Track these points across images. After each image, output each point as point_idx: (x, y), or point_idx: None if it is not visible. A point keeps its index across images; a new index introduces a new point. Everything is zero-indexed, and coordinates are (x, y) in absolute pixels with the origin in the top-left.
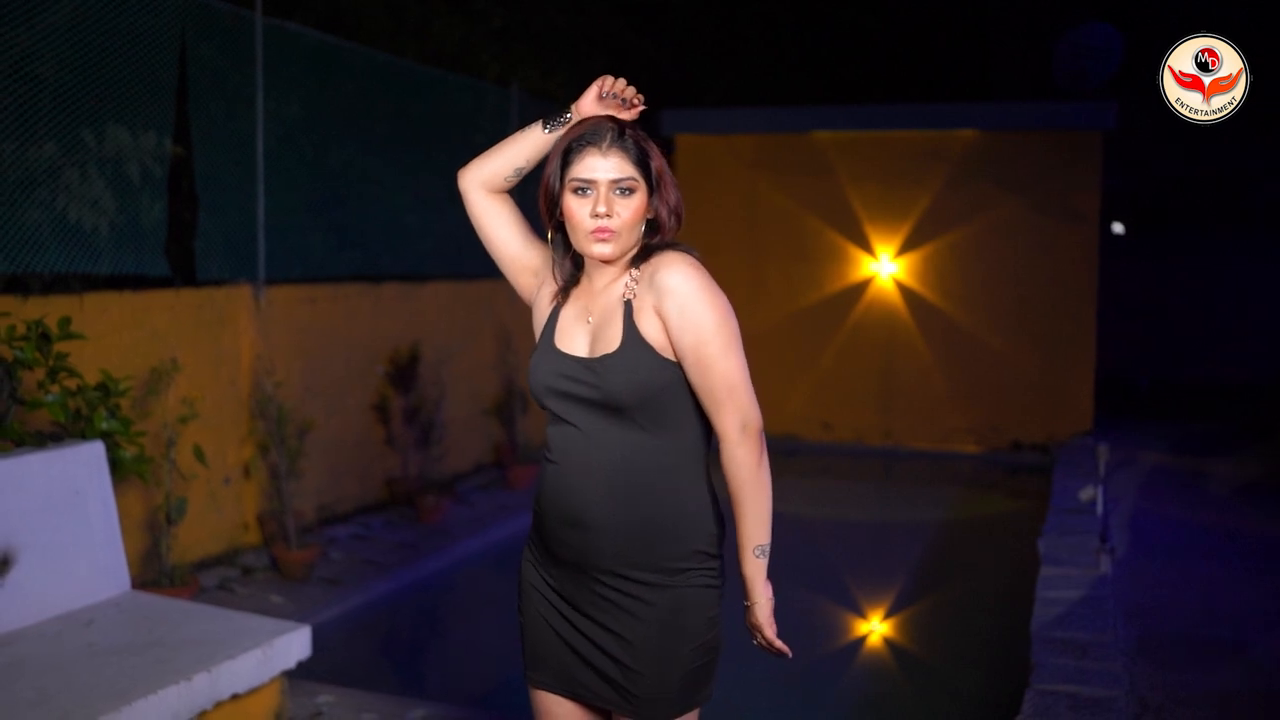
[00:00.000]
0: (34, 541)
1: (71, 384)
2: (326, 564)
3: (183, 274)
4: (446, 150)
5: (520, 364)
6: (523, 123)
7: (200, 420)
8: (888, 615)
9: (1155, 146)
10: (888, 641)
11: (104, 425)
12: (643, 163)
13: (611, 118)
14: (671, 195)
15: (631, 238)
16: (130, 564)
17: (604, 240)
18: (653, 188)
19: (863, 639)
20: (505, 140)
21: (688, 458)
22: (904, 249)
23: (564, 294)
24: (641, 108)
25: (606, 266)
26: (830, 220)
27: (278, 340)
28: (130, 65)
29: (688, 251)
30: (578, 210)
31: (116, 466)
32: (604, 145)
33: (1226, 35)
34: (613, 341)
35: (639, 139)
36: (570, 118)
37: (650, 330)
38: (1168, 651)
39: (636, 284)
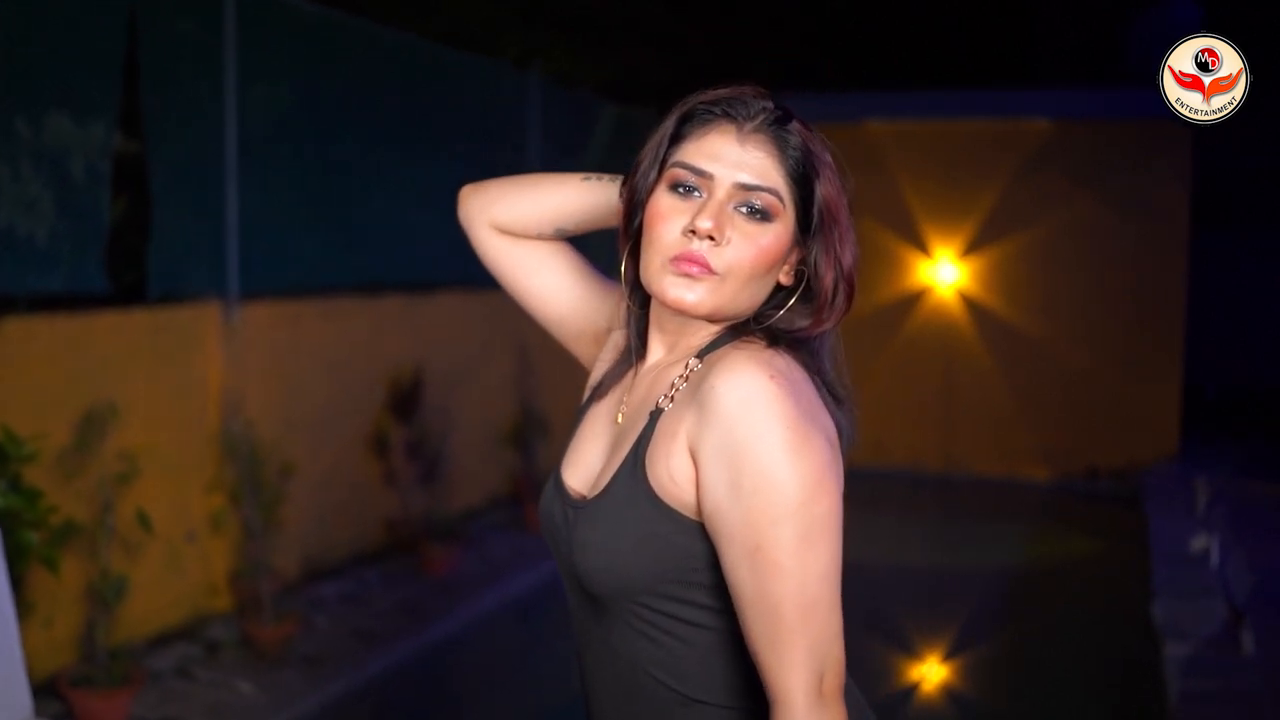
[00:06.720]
0: None
1: None
2: (309, 636)
3: (133, 290)
4: (456, 140)
5: (541, 384)
6: (545, 111)
7: (157, 467)
8: (978, 698)
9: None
10: None
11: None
12: (801, 178)
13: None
14: (847, 252)
15: (741, 294)
16: (59, 649)
17: (686, 274)
18: (809, 225)
19: None
20: (534, 178)
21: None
22: (966, 252)
23: (613, 375)
24: None
25: (678, 331)
26: (885, 220)
27: (254, 366)
28: (63, 39)
29: (808, 355)
30: (666, 215)
31: (20, 554)
32: (746, 126)
33: (1226, 35)
34: (609, 474)
35: (809, 140)
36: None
37: (666, 472)
38: None
39: (685, 381)
